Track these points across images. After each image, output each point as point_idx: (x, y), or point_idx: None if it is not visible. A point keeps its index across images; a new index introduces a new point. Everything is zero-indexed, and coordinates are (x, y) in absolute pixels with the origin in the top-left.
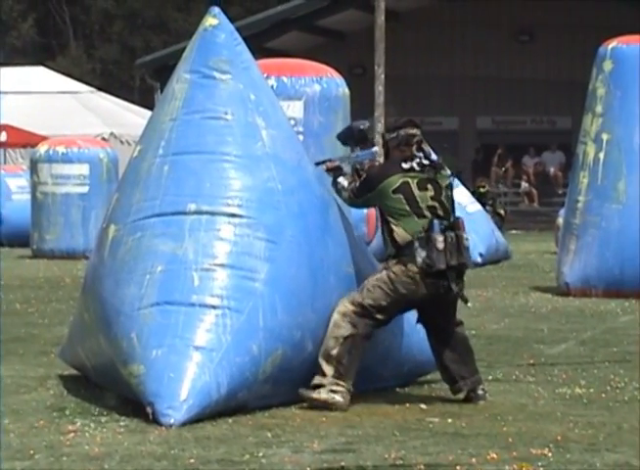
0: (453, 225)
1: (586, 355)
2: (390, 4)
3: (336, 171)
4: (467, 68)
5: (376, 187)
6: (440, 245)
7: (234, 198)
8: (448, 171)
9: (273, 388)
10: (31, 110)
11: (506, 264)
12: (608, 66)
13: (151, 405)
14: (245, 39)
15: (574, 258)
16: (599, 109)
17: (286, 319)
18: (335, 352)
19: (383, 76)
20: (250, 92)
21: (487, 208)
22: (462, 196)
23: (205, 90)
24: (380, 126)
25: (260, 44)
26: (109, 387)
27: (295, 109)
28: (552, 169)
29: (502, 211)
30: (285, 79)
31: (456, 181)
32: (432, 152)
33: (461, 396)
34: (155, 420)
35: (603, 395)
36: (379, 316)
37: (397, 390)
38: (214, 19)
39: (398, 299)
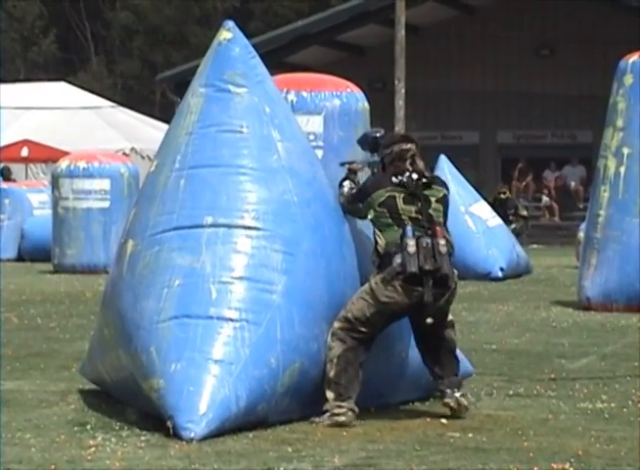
0: (431, 232)
1: (608, 370)
2: (411, 18)
3: (356, 173)
4: (487, 82)
5: (365, 199)
6: (412, 249)
7: (250, 210)
8: (443, 186)
9: (292, 401)
10: (53, 125)
11: (527, 279)
12: (628, 80)
13: (171, 419)
14: (265, 54)
15: (595, 273)
16: (620, 123)
17: (303, 331)
18: (332, 374)
19: (403, 91)
20: (265, 105)
21: (511, 216)
22: (483, 210)
23: (220, 104)
24: None
25: (280, 59)
26: (129, 402)
27: (314, 123)
28: (573, 183)
29: (525, 213)
30: (304, 94)
31: (477, 195)
32: (424, 166)
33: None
34: (175, 434)
35: (624, 409)
36: (363, 329)
37: (418, 404)
38: (228, 32)
39: (381, 308)
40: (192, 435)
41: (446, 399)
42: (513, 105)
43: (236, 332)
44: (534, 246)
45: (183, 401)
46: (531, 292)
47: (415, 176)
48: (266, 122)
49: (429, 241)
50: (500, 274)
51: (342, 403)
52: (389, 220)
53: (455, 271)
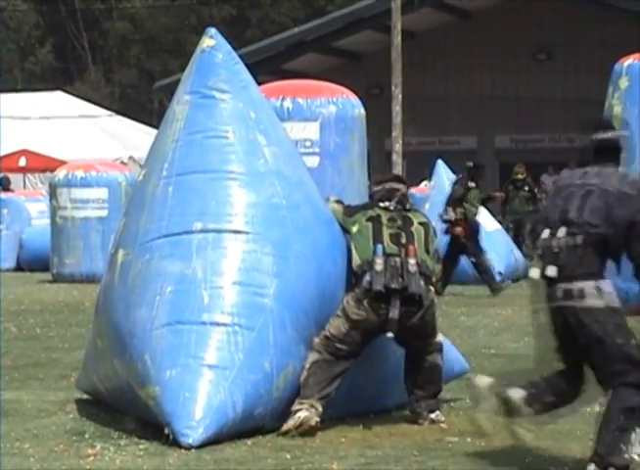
0: (405, 251)
1: None
2: (407, 24)
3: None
4: (484, 86)
5: (354, 215)
6: (379, 267)
7: (239, 215)
8: (426, 218)
9: (288, 406)
10: (50, 134)
11: (525, 283)
12: (624, 83)
13: (168, 426)
14: (262, 61)
15: None
16: (615, 126)
17: (294, 335)
18: (302, 378)
19: (400, 96)
20: (250, 110)
21: (538, 194)
22: (481, 215)
23: (205, 110)
24: (397, 146)
25: (277, 66)
26: (126, 411)
27: (310, 130)
28: None
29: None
30: (300, 101)
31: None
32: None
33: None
34: (174, 440)
35: None
36: (339, 346)
37: None
38: (211, 39)
39: (353, 326)
40: (190, 440)
41: (420, 420)
42: (510, 109)
43: (229, 337)
44: None
45: (179, 408)
46: (530, 296)
47: (401, 207)
48: (252, 127)
49: (397, 260)
50: (499, 278)
51: (304, 400)
52: (370, 236)
53: (432, 289)
